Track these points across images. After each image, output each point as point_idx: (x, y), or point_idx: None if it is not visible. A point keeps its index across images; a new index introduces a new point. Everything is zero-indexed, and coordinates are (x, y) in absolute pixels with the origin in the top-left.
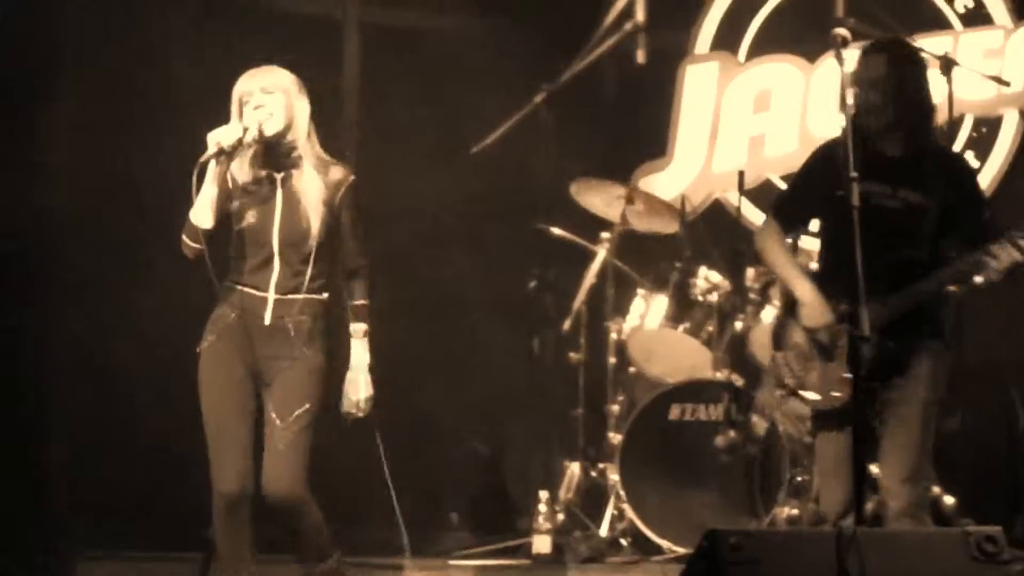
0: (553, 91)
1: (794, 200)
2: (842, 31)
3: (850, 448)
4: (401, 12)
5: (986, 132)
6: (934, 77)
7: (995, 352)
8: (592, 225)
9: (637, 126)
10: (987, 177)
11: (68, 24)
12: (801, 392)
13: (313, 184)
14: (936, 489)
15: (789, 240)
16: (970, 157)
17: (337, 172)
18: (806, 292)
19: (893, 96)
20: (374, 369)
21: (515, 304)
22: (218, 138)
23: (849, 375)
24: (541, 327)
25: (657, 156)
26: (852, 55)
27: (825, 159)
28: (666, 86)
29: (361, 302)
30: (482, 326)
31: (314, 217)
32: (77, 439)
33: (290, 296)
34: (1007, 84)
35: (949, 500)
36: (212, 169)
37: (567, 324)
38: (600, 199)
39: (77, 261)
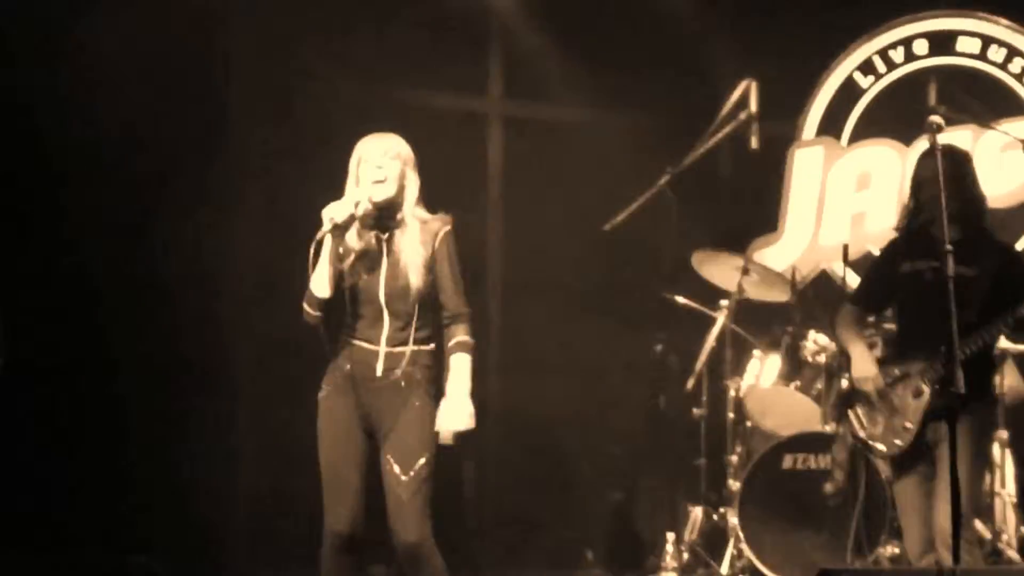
0: (676, 174)
1: (868, 291)
2: (937, 118)
3: (921, 491)
4: (539, 106)
5: None
6: (1017, 158)
7: None
8: (712, 294)
9: (751, 205)
10: None
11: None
12: (870, 443)
13: (414, 240)
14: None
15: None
16: None
17: (435, 224)
18: (856, 351)
19: (952, 191)
20: (515, 423)
21: (644, 365)
22: (332, 214)
23: (909, 424)
24: (667, 386)
25: (769, 231)
26: (941, 138)
27: (887, 251)
28: (777, 168)
29: (464, 338)
30: (615, 385)
31: (414, 273)
32: None
33: (399, 348)
34: None
35: None
36: (328, 243)
37: (690, 383)
38: (718, 270)
39: None
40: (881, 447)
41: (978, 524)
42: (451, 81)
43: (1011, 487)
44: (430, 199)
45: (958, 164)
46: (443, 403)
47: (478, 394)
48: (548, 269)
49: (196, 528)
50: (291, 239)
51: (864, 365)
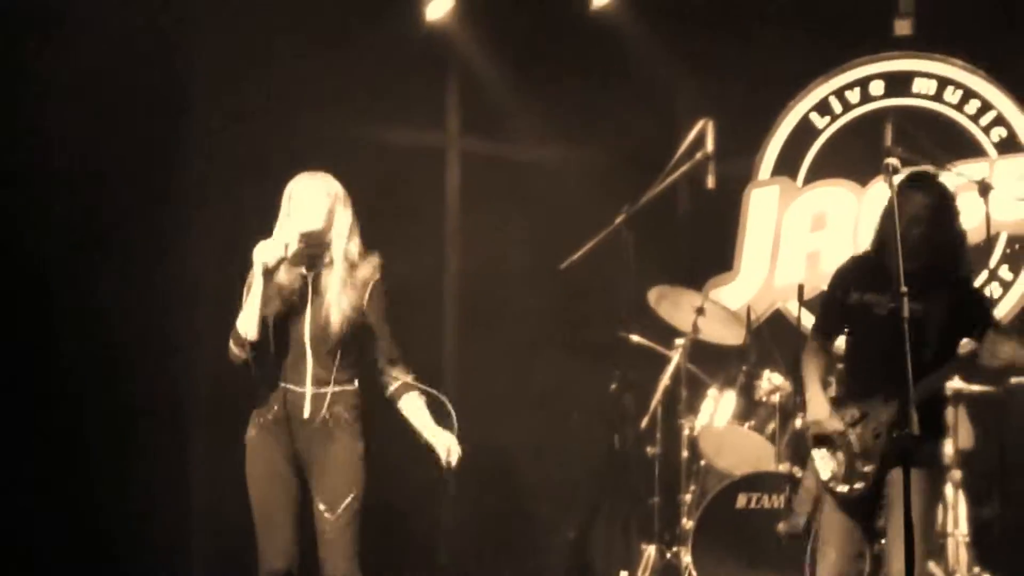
0: (632, 213)
1: (825, 318)
2: (893, 160)
3: (848, 523)
4: (497, 142)
5: (1019, 248)
6: (972, 199)
7: None
8: (668, 332)
9: (707, 244)
10: (1021, 288)
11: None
12: (831, 484)
13: (340, 283)
14: (976, 568)
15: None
16: (1005, 271)
17: (366, 270)
18: (811, 392)
19: (931, 228)
20: (471, 458)
21: (600, 403)
22: (263, 258)
23: (869, 467)
24: (622, 424)
25: (725, 270)
26: (896, 180)
27: (839, 276)
28: (733, 208)
29: (408, 378)
30: (571, 423)
31: (337, 314)
32: None
33: (323, 389)
34: None
35: None
36: (258, 285)
37: (645, 421)
38: (674, 308)
39: None
40: (843, 488)
41: (931, 565)
42: (409, 116)
43: (964, 527)
44: (387, 233)
45: (946, 199)
46: (434, 442)
47: None
48: (505, 305)
49: (153, 557)
50: (247, 273)
51: (816, 407)
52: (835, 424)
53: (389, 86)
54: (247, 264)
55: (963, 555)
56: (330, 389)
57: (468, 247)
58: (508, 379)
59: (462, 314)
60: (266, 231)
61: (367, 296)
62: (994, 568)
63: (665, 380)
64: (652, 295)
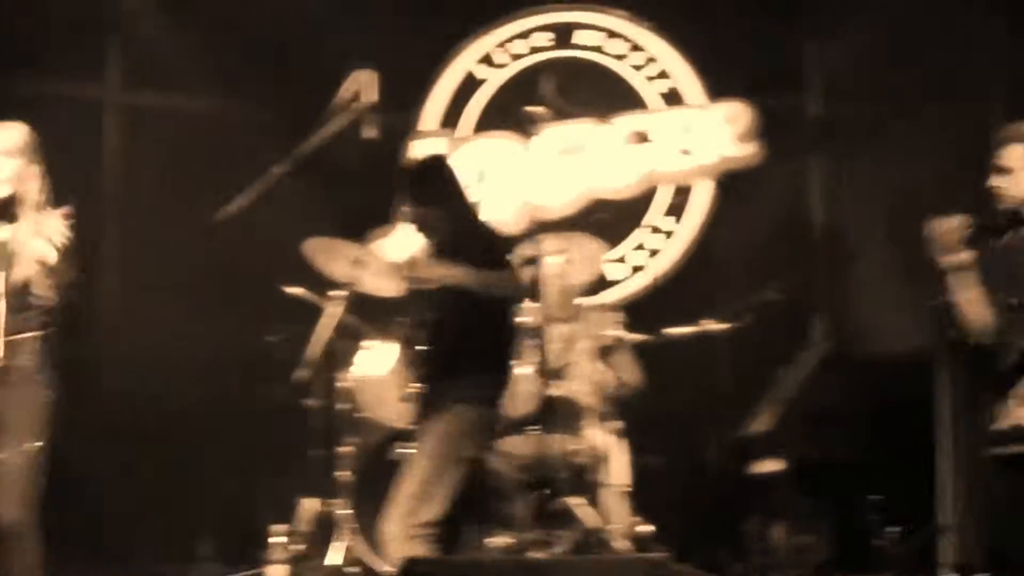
0: (292, 164)
1: None
2: (533, 109)
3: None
4: (156, 94)
5: (683, 199)
6: (633, 151)
7: (691, 399)
8: (328, 285)
9: (370, 196)
10: (684, 236)
11: None
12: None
13: (30, 235)
14: (635, 518)
15: None
16: (670, 220)
17: (55, 221)
18: None
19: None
20: (130, 417)
21: (258, 356)
22: None
23: None
24: (281, 377)
25: (388, 222)
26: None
27: None
28: (397, 160)
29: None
30: (231, 378)
31: (26, 264)
32: None
33: (14, 337)
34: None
35: (647, 528)
36: None
37: (303, 374)
38: (333, 260)
39: None
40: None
41: (587, 512)
42: (66, 67)
43: (622, 477)
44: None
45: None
46: None
47: (92, 390)
48: (166, 262)
49: None
50: None
51: None
52: None
53: (44, 35)
54: None
55: (619, 505)
56: (20, 337)
57: (128, 203)
58: (169, 336)
59: (123, 271)
60: None
61: (51, 244)
62: (652, 517)
63: (323, 332)
64: (308, 247)
